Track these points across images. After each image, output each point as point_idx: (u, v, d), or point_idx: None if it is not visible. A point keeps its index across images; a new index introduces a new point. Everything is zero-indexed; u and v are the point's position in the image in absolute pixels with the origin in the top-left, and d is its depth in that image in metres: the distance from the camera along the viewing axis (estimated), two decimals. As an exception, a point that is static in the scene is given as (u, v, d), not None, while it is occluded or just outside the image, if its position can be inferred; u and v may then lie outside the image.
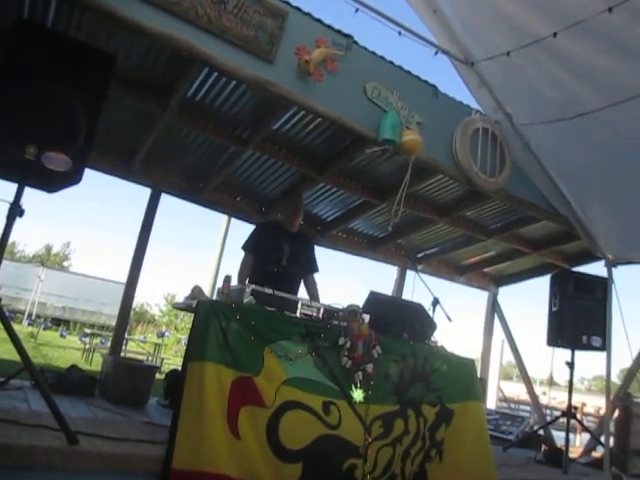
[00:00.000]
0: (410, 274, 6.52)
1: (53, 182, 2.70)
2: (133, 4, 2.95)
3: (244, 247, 4.35)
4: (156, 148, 4.71)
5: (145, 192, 5.11)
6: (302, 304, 3.12)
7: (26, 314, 19.51)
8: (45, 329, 17.47)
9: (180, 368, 3.00)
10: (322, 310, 3.17)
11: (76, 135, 2.62)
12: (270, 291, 3.03)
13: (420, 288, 4.05)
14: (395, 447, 3.10)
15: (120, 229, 62.33)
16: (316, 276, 4.51)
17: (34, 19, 3.28)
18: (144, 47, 3.60)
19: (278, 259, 4.20)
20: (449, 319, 3.80)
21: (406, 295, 6.56)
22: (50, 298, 20.89)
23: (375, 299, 3.56)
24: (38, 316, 19.55)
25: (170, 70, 3.75)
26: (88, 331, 13.82)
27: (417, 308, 3.72)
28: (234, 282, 3.20)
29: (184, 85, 3.76)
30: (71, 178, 2.67)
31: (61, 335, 16.69)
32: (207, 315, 2.73)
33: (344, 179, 5.07)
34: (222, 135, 4.44)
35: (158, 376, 4.60)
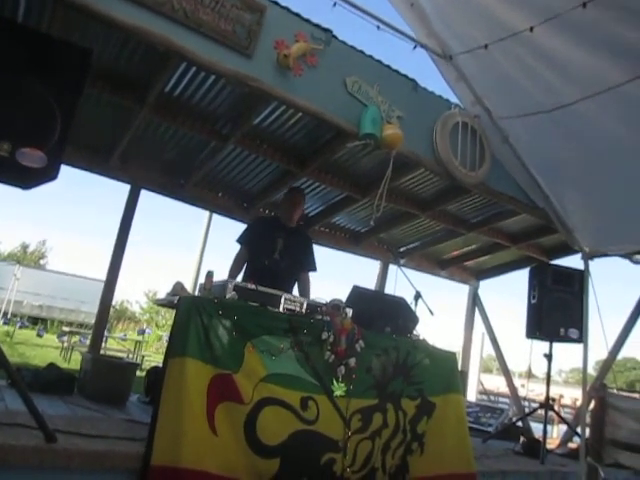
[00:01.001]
0: (392, 268, 6.57)
1: (28, 178, 2.64)
2: (107, -2, 2.89)
3: (239, 240, 4.33)
4: (134, 144, 4.65)
5: (124, 190, 5.06)
6: (285, 299, 3.11)
7: (1, 313, 19.16)
8: (21, 328, 17.19)
9: (161, 365, 2.98)
10: (305, 305, 3.17)
11: (51, 131, 2.57)
12: (253, 286, 3.03)
13: (402, 282, 4.07)
14: (374, 440, 3.12)
15: (98, 230, 61.54)
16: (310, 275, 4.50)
17: (3, 14, 3.20)
18: (120, 42, 3.55)
19: (270, 252, 4.18)
20: (431, 313, 3.83)
21: (389, 289, 6.60)
22: (27, 296, 20.53)
23: (358, 293, 3.56)
24: (14, 315, 19.21)
25: (147, 65, 3.71)
26: (66, 329, 13.65)
27: (400, 302, 3.74)
28: (217, 277, 3.18)
29: (161, 80, 3.72)
30: (47, 174, 2.61)
31: (38, 334, 16.42)
32: (188, 311, 2.71)
33: (326, 174, 5.07)
34: (202, 130, 4.40)
35: (139, 373, 4.57)
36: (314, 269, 4.51)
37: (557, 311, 5.15)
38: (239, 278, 4.16)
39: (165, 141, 4.70)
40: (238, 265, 4.24)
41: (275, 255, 4.19)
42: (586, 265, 4.80)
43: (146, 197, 5.13)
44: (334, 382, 3.02)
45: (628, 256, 4.68)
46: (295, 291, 4.39)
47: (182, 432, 2.48)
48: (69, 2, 2.82)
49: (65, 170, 2.68)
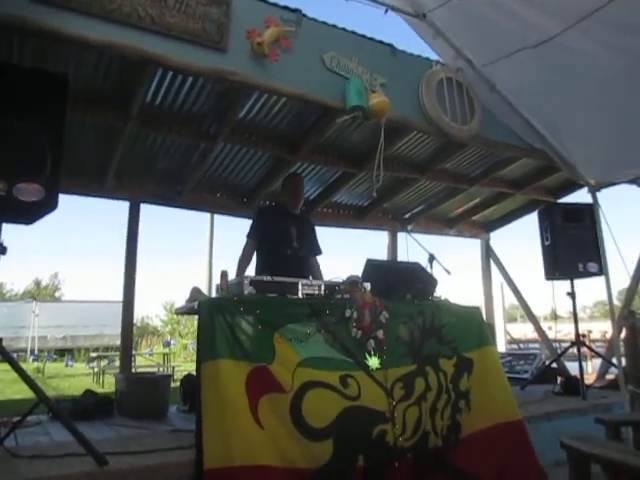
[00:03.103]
0: (401, 236, 6.55)
1: (29, 213, 2.65)
2: (73, 19, 2.84)
3: (249, 235, 4.22)
4: (126, 160, 4.64)
5: (123, 208, 5.05)
6: (302, 285, 3.12)
7: (28, 351, 19.33)
8: (50, 361, 17.35)
9: (193, 372, 3.00)
10: (323, 287, 3.18)
11: (43, 162, 2.57)
12: (269, 278, 3.03)
13: (414, 248, 4.07)
14: (420, 405, 3.14)
15: (104, 250, 61.67)
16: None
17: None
18: (92, 61, 3.53)
19: (290, 241, 4.15)
20: (448, 272, 3.83)
21: (401, 257, 6.59)
22: (49, 330, 20.67)
23: (372, 266, 3.56)
24: (40, 350, 19.35)
25: (124, 79, 3.68)
26: (93, 355, 13.74)
27: (415, 268, 3.73)
28: (231, 276, 3.18)
29: (141, 91, 3.69)
30: (46, 205, 2.61)
31: (67, 365, 16.58)
32: (211, 313, 2.72)
33: (319, 155, 5.05)
34: (189, 134, 4.39)
35: (173, 384, 4.61)
36: (321, 252, 4.52)
37: (572, 248, 5.14)
38: (250, 272, 4.14)
39: (155, 152, 4.68)
40: (247, 259, 4.19)
41: (294, 244, 4.16)
42: (594, 197, 4.77)
43: (144, 210, 5.12)
44: (367, 356, 3.03)
45: (634, 181, 4.64)
46: None
47: (229, 432, 2.50)
48: (38, 29, 2.78)
49: (62, 199, 2.66)
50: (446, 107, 4.05)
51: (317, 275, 4.39)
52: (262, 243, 4.19)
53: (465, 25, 3.88)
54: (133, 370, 7.32)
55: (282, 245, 4.12)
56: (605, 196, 4.84)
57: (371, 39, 3.94)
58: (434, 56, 4.22)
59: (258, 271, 4.09)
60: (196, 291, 3.46)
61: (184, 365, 13.24)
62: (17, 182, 2.47)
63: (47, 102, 2.63)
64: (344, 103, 3.63)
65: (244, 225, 4.50)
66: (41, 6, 2.74)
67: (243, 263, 4.17)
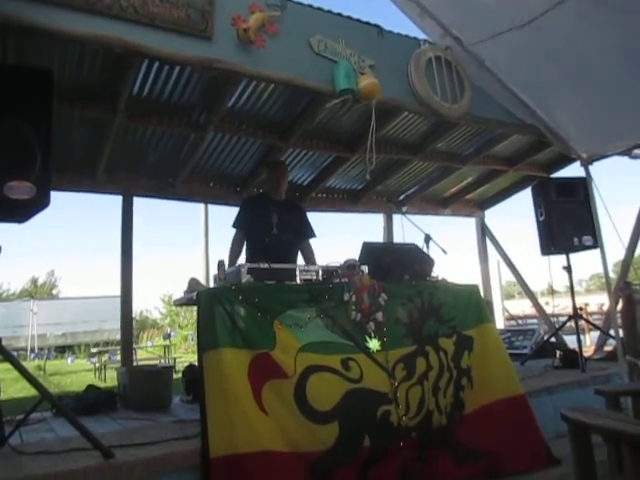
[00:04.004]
0: (397, 218, 6.56)
1: (22, 212, 2.63)
2: (54, 13, 2.78)
3: (234, 225, 4.32)
4: (116, 154, 4.59)
5: (115, 202, 5.03)
6: (300, 270, 3.13)
7: (29, 349, 19.34)
8: (51, 359, 17.37)
9: (194, 362, 3.01)
10: (321, 272, 3.19)
11: (32, 159, 2.54)
12: (266, 265, 3.03)
13: (409, 229, 4.07)
14: (422, 384, 3.18)
15: (99, 246, 61.39)
16: (312, 242, 4.51)
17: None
18: (76, 55, 3.47)
19: (269, 229, 4.18)
20: (444, 252, 3.84)
21: (397, 239, 6.61)
22: (48, 328, 20.66)
23: (369, 249, 3.57)
24: (40, 348, 19.36)
25: (109, 71, 3.63)
26: (94, 350, 13.75)
27: (412, 249, 3.75)
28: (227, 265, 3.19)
29: (127, 83, 3.65)
30: (38, 203, 2.60)
31: (68, 361, 16.62)
32: (210, 303, 2.73)
33: (311, 140, 5.02)
34: (179, 125, 4.36)
35: (175, 375, 4.62)
36: (314, 235, 4.54)
37: (567, 223, 5.17)
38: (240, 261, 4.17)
39: (145, 144, 4.65)
40: (237, 250, 4.24)
41: (274, 230, 4.19)
42: (587, 171, 4.77)
43: (138, 203, 5.10)
44: (367, 339, 3.06)
45: (626, 153, 4.64)
46: (301, 260, 4.42)
47: (234, 420, 2.53)
48: (18, 24, 2.73)
49: (53, 195, 2.65)
50: (436, 86, 4.02)
51: (308, 258, 4.41)
52: (247, 233, 4.25)
53: (452, 3, 3.84)
54: (134, 363, 7.33)
55: (262, 233, 4.16)
56: (598, 169, 4.85)
57: (358, 20, 3.89)
58: (422, 35, 4.18)
59: (246, 260, 4.13)
60: (194, 282, 3.46)
61: (185, 356, 13.30)
62: (7, 180, 2.45)
63: (33, 99, 2.60)
64: (333, 87, 3.60)
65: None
66: (21, 0, 2.69)
67: (233, 255, 4.23)
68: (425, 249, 3.80)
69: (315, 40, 3.61)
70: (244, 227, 4.28)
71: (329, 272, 3.21)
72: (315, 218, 4.57)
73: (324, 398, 2.78)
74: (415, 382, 3.15)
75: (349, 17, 3.86)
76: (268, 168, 4.59)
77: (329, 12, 3.77)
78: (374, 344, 3.06)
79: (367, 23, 3.93)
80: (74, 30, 2.84)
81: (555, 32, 3.60)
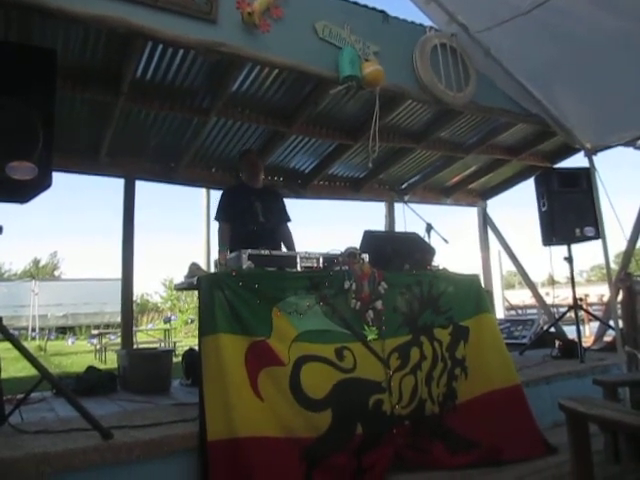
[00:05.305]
0: (398, 207, 6.54)
1: (24, 192, 2.63)
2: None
3: (217, 217, 4.34)
4: (119, 137, 4.59)
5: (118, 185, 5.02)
6: (301, 257, 3.13)
7: (29, 329, 19.46)
8: (52, 339, 17.47)
9: (195, 347, 3.02)
10: (322, 259, 3.19)
11: (34, 140, 2.54)
12: (267, 252, 3.04)
13: (411, 218, 4.06)
14: (416, 374, 3.20)
15: (103, 229, 61.41)
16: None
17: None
18: (80, 36, 3.45)
19: (255, 217, 4.20)
20: (445, 241, 3.84)
21: (398, 228, 6.60)
22: (49, 309, 20.77)
23: (370, 237, 3.57)
24: (41, 329, 19.48)
25: (113, 53, 3.61)
26: (95, 332, 13.81)
27: (413, 237, 3.74)
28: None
29: (131, 66, 3.63)
30: (40, 183, 2.60)
31: (69, 342, 16.72)
32: (210, 288, 2.74)
33: (314, 127, 5.00)
34: (182, 109, 4.34)
35: (175, 359, 4.65)
36: (290, 219, 4.57)
37: (569, 213, 5.15)
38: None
39: (148, 128, 4.63)
40: (225, 241, 4.23)
41: (260, 218, 4.22)
42: (590, 161, 4.75)
43: (140, 187, 5.09)
44: (365, 327, 3.07)
45: (630, 143, 4.61)
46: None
47: (230, 405, 2.55)
48: (21, 3, 2.71)
49: (56, 177, 2.65)
50: (441, 74, 3.99)
51: (287, 242, 4.42)
52: (231, 223, 4.25)
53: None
54: (135, 346, 7.36)
55: (249, 222, 4.18)
56: (601, 160, 4.83)
57: (363, 6, 3.86)
58: (427, 22, 4.15)
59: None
60: (195, 267, 3.46)
61: (185, 340, 13.34)
62: (9, 161, 2.45)
63: (36, 78, 2.59)
64: (337, 73, 3.57)
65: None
66: (25, -20, 2.67)
67: (222, 245, 4.20)
68: (426, 238, 3.79)
69: (320, 25, 3.58)
70: (229, 218, 4.28)
71: (330, 259, 3.21)
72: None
73: (317, 387, 2.81)
74: (408, 372, 3.17)
75: (355, 2, 3.83)
76: (242, 158, 4.60)
77: (335, -3, 3.73)
78: (372, 333, 3.07)
79: (373, 9, 3.90)
80: (78, 10, 2.81)
81: (561, 18, 3.56)
